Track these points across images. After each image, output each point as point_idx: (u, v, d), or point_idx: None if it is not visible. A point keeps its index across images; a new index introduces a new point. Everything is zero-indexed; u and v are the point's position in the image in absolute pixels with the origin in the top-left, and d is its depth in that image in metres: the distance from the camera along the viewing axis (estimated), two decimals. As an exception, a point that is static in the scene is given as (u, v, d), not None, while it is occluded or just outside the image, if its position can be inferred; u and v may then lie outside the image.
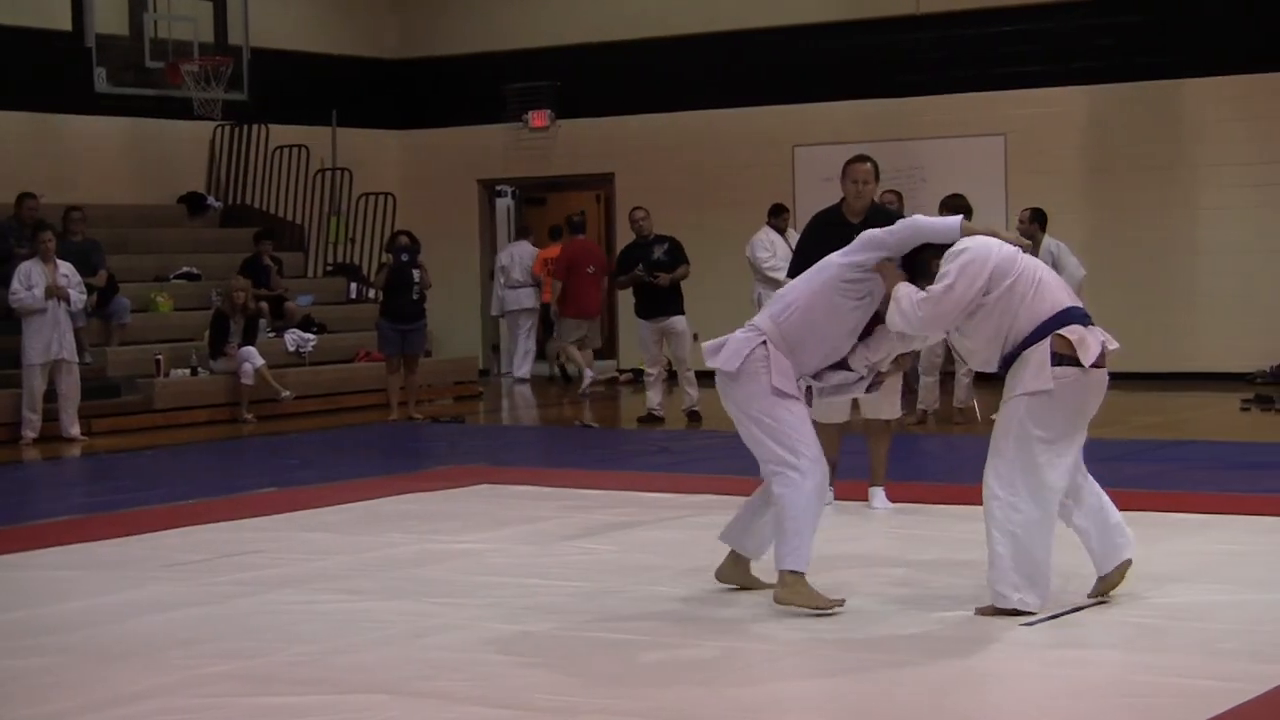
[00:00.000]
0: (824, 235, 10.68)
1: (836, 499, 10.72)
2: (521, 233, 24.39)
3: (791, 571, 7.81)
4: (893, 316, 7.82)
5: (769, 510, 8.10)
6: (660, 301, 17.41)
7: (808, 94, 22.37)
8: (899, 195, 17.45)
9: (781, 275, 20.64)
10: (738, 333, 8.10)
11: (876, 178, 10.92)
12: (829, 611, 7.76)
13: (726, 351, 8.04)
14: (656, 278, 17.29)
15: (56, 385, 17.08)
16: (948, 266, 7.72)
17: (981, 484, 7.77)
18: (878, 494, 11.05)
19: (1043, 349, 7.65)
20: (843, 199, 11.02)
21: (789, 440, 7.91)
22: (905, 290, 7.77)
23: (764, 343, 7.95)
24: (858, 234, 10.20)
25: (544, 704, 6.44)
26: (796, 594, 7.81)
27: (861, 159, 10.91)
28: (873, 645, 7.29)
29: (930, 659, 7.06)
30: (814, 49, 22.37)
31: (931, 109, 21.68)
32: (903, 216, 16.48)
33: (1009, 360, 7.77)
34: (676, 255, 17.50)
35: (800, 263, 11.08)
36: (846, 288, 7.97)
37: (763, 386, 7.92)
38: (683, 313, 17.49)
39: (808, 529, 7.85)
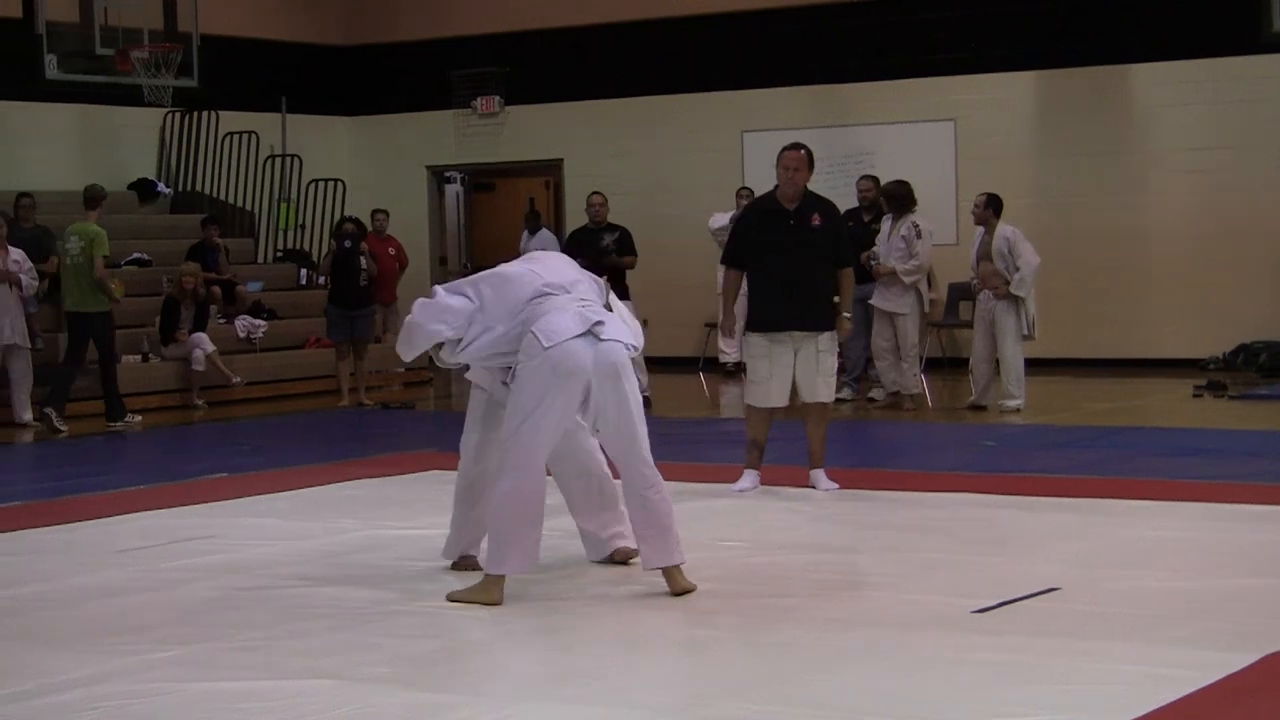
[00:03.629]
0: (759, 222, 11.34)
1: (763, 484, 11.16)
2: (533, 219, 24.01)
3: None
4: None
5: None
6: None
7: (756, 79, 22.42)
8: (876, 181, 17.56)
9: None
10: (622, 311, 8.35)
11: (810, 165, 11.18)
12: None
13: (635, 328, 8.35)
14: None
15: (9, 370, 17.08)
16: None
17: None
18: (819, 475, 11.21)
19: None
20: (776, 186, 11.29)
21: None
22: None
23: None
24: (793, 220, 10.76)
25: (492, 689, 6.52)
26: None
27: (794, 146, 11.22)
28: (810, 630, 7.39)
29: (872, 645, 7.15)
30: (762, 34, 22.41)
31: (880, 94, 21.73)
32: (876, 204, 16.72)
33: None
34: (625, 245, 17.54)
35: (736, 248, 11.36)
36: None
37: None
38: (627, 298, 17.53)
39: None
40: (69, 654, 7.27)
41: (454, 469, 8.85)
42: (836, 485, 11.17)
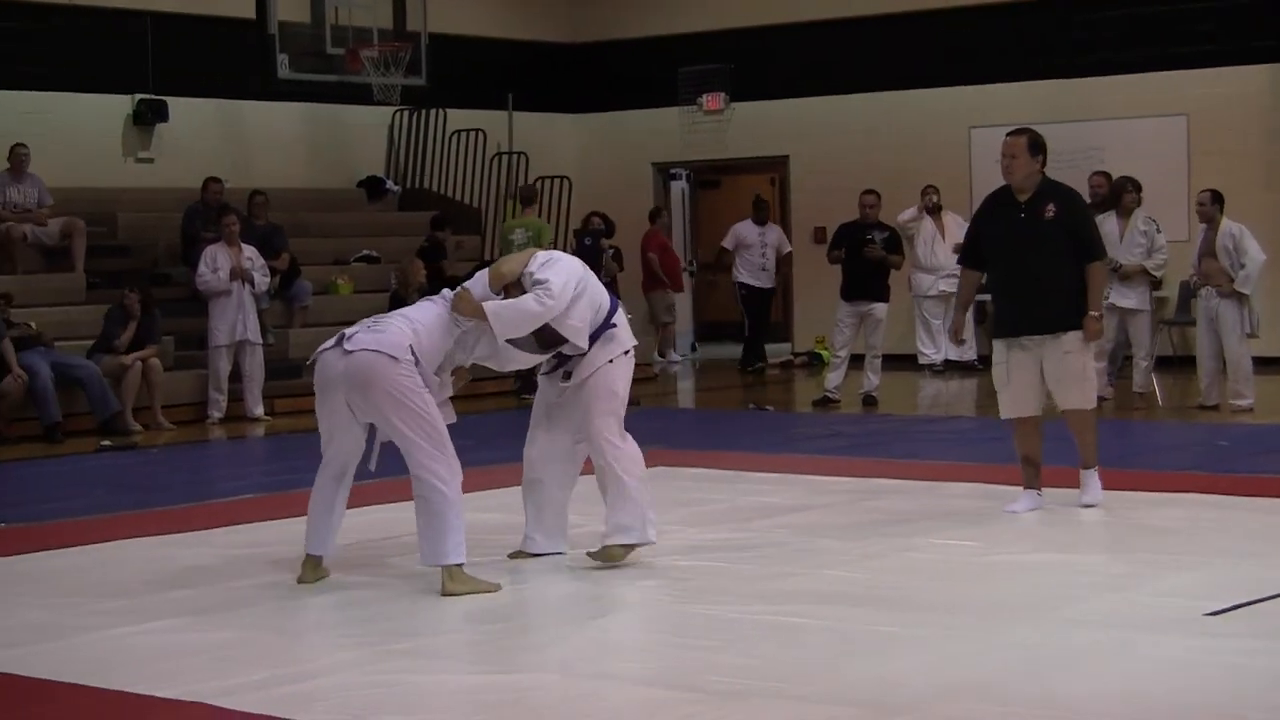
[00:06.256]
0: (991, 215, 10.54)
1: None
2: (759, 209, 23.19)
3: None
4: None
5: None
6: (865, 285, 17.42)
7: (984, 75, 22.20)
8: (1107, 176, 17.31)
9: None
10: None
11: (1033, 151, 10.21)
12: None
13: None
14: (871, 245, 17.35)
15: (241, 366, 17.41)
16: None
17: None
18: (1086, 479, 10.36)
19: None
20: None
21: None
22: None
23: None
24: (1023, 212, 10.16)
25: (716, 686, 6.49)
26: (463, 584, 8.24)
27: (1013, 132, 10.38)
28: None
29: (1103, 646, 7.04)
30: (991, 29, 22.19)
31: (1110, 89, 21.40)
32: (1106, 200, 16.30)
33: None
34: (893, 244, 17.55)
35: (968, 245, 10.97)
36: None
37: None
38: (886, 300, 17.51)
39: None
40: (303, 644, 7.38)
41: (678, 465, 8.87)
42: (1099, 498, 10.31)
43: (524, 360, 8.94)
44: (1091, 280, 10.23)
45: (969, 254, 10.86)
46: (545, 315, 8.53)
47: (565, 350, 8.84)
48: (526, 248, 18.12)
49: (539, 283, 8.53)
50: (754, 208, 22.92)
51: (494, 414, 16.45)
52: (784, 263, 22.91)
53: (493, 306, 8.49)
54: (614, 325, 8.91)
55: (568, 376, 8.92)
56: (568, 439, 9.02)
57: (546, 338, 8.65)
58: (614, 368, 8.89)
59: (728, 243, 22.78)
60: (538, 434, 9.14)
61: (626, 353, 8.99)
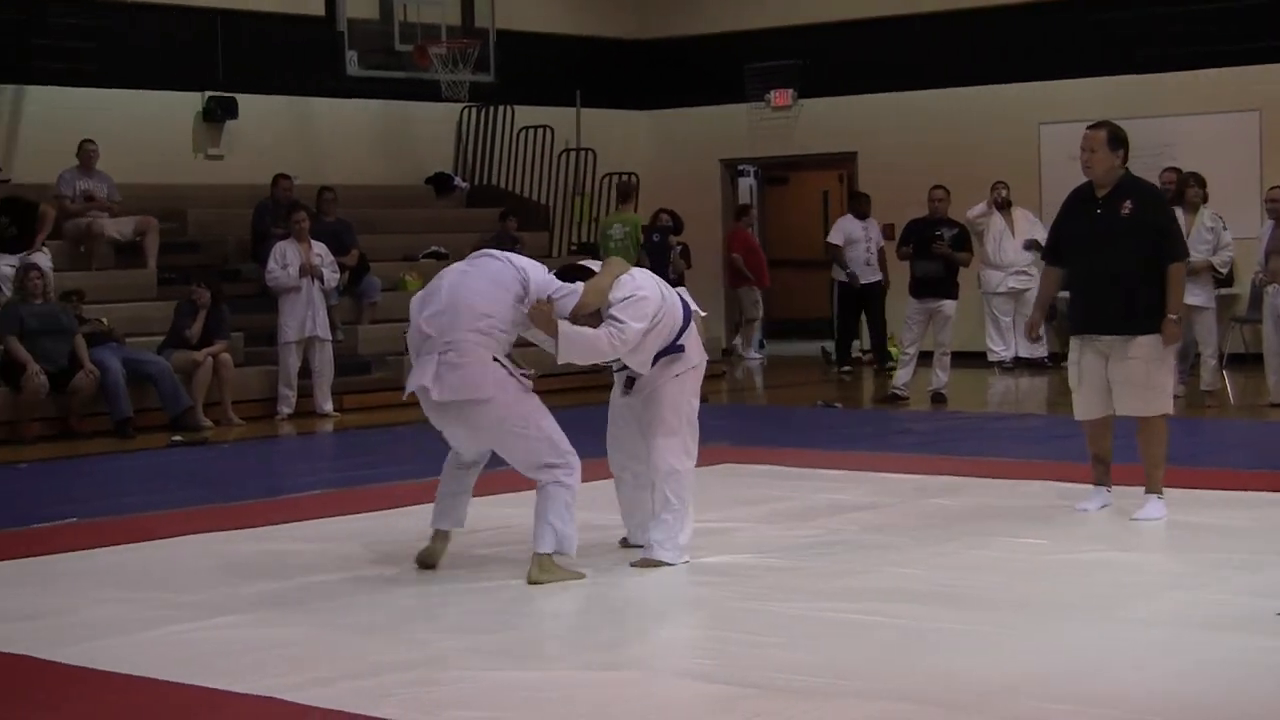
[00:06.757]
0: (1070, 211, 10.30)
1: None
2: (859, 203, 22.57)
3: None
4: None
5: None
6: (934, 283, 17.36)
7: (1053, 70, 22.10)
8: (1178, 172, 17.20)
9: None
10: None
11: (1113, 145, 9.87)
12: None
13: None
14: (939, 243, 17.29)
15: (310, 362, 17.49)
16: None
17: None
18: (1146, 500, 10.03)
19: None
20: None
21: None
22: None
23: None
24: (1100, 208, 9.93)
25: (785, 684, 6.47)
26: (549, 572, 8.42)
27: (1093, 125, 10.01)
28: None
29: (1173, 645, 6.99)
30: (1059, 24, 22.09)
31: (1181, 84, 21.27)
32: (1174, 196, 16.10)
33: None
34: (961, 242, 17.50)
35: (1050, 241, 10.69)
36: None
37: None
38: (955, 298, 17.45)
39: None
40: (373, 640, 7.40)
41: (747, 462, 8.86)
42: (1158, 517, 9.92)
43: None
44: (1171, 281, 9.86)
45: (1050, 250, 10.58)
46: (612, 355, 8.59)
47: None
48: (624, 244, 18.29)
49: (616, 320, 8.50)
50: (853, 201, 22.47)
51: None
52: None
53: (566, 330, 8.45)
54: (681, 348, 8.84)
55: (631, 384, 8.93)
56: (641, 438, 9.01)
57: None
58: (680, 381, 8.86)
59: (835, 238, 22.12)
60: (613, 433, 9.17)
61: (694, 367, 8.95)
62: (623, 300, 8.53)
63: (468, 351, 8.36)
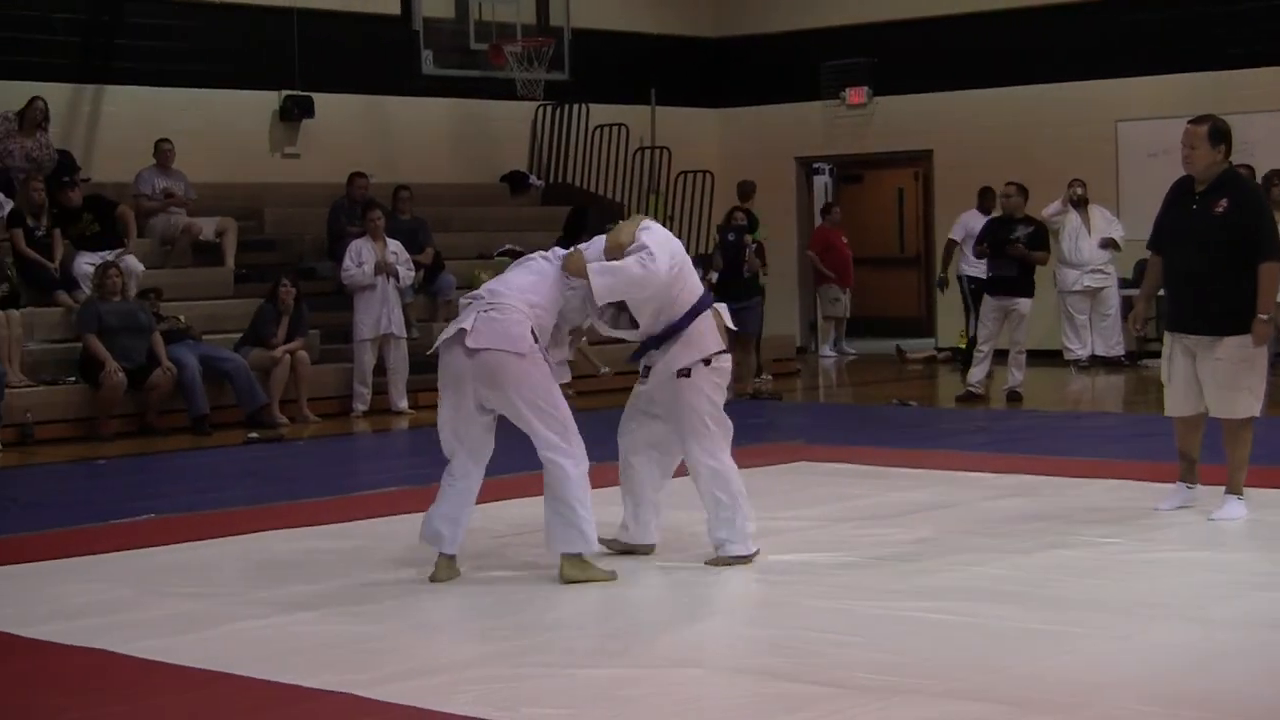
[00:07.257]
0: (1173, 203, 10.08)
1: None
2: (985, 198, 21.43)
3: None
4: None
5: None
6: (1009, 281, 17.26)
7: (1130, 68, 21.94)
8: (1253, 171, 17.04)
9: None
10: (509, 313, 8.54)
11: (1214, 140, 9.71)
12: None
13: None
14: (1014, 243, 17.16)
15: (385, 360, 17.55)
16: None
17: None
18: (1225, 501, 9.91)
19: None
20: None
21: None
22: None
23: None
24: (1196, 204, 9.79)
25: (861, 682, 6.45)
26: (582, 571, 8.44)
27: (1194, 120, 9.86)
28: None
29: (1255, 648, 6.91)
30: (1136, 21, 21.94)
31: (1258, 81, 21.07)
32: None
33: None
34: (1037, 240, 17.36)
35: (1156, 230, 10.26)
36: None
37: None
38: (1031, 296, 17.33)
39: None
40: (443, 637, 7.42)
41: (822, 460, 8.84)
42: (1237, 517, 9.81)
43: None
44: (1262, 281, 9.62)
45: (1154, 240, 10.27)
46: (648, 279, 8.57)
47: (641, 338, 8.90)
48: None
49: (641, 247, 8.59)
50: (980, 196, 22.06)
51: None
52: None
53: (595, 266, 8.58)
54: (695, 321, 8.82)
55: (646, 372, 8.93)
56: (658, 425, 9.01)
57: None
58: (693, 383, 8.78)
59: (956, 233, 21.44)
60: (629, 422, 9.14)
61: (707, 362, 8.83)
62: (643, 228, 8.75)
63: (510, 311, 8.47)
